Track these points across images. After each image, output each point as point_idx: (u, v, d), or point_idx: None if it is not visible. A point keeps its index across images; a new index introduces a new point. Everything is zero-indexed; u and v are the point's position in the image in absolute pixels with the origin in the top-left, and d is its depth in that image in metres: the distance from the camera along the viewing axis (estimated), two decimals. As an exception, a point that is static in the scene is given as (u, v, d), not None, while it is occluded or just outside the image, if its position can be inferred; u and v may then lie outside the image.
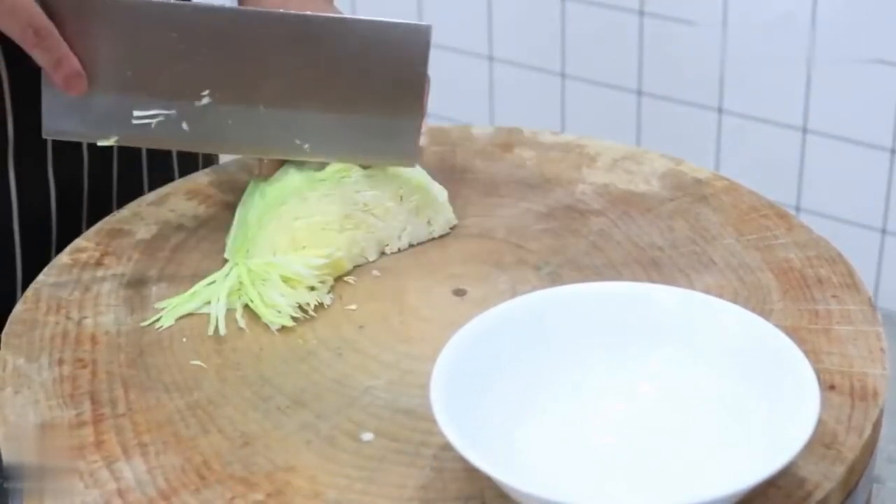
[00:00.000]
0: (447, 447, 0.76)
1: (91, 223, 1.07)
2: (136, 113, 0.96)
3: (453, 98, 2.33)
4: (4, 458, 0.83)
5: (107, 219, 1.06)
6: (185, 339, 0.92)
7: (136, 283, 0.98)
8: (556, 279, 0.97)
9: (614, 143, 1.14)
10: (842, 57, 2.06)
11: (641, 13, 2.20)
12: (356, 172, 0.99)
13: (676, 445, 0.82)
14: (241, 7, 0.96)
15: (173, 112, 0.96)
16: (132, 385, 0.88)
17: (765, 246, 1.00)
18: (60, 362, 0.90)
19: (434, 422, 0.76)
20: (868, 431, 0.82)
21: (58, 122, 0.97)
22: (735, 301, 0.91)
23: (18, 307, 0.95)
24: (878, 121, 2.08)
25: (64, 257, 1.01)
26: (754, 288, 0.95)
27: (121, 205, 1.11)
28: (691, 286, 0.94)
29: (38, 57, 0.93)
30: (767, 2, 2.09)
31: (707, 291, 0.93)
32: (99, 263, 1.00)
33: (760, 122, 2.17)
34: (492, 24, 2.35)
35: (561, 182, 1.09)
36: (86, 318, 0.94)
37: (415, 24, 0.95)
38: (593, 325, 0.85)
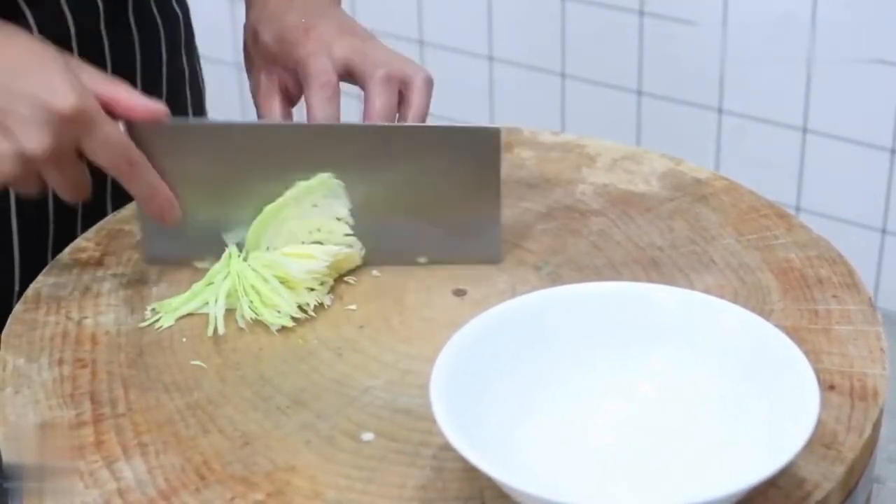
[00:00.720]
0: (447, 447, 0.76)
1: (86, 225, 1.07)
2: (227, 235, 0.97)
3: (453, 98, 2.33)
4: (4, 458, 0.83)
5: (107, 219, 1.06)
6: (184, 339, 0.92)
7: (136, 283, 0.98)
8: (556, 279, 0.97)
9: (614, 143, 1.14)
10: (842, 57, 2.06)
11: (641, 13, 2.20)
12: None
13: (676, 445, 0.82)
14: (318, 123, 0.97)
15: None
16: (132, 385, 0.88)
17: (765, 246, 1.00)
18: (60, 362, 0.90)
19: (434, 422, 0.76)
20: (868, 431, 0.82)
21: (157, 249, 0.99)
22: (735, 301, 0.91)
23: (18, 307, 0.95)
24: (878, 121, 2.08)
25: (64, 257, 1.01)
26: (754, 288, 0.95)
27: (115, 204, 1.11)
28: (691, 286, 0.94)
29: (133, 189, 0.93)
30: (767, 2, 2.09)
31: (707, 291, 0.92)
32: (99, 263, 1.00)
33: (760, 122, 2.17)
34: (492, 24, 2.35)
35: (561, 182, 1.09)
36: (86, 318, 0.94)
37: (484, 127, 0.97)
38: (593, 325, 0.85)
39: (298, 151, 0.96)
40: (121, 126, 0.92)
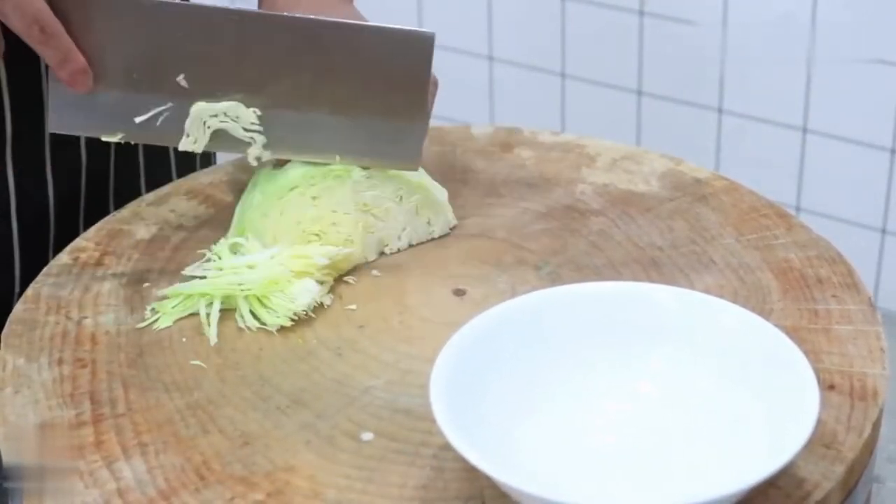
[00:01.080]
0: (447, 447, 0.76)
1: (88, 223, 1.07)
2: (140, 110, 0.97)
3: (453, 98, 2.33)
4: (4, 458, 0.83)
5: (107, 219, 1.06)
6: (184, 339, 0.92)
7: (136, 283, 0.98)
8: (556, 279, 0.97)
9: (614, 143, 1.14)
10: (842, 57, 2.06)
11: (641, 13, 2.20)
12: (356, 172, 0.99)
13: (676, 445, 0.82)
14: (248, 9, 0.97)
15: (178, 110, 0.97)
16: (132, 385, 0.88)
17: (765, 246, 1.00)
18: (60, 362, 0.90)
19: (434, 422, 0.76)
20: (868, 431, 0.82)
21: (64, 118, 0.98)
22: (735, 301, 0.91)
23: (18, 307, 0.95)
24: (878, 121, 2.08)
25: (64, 257, 1.01)
26: (754, 288, 0.95)
27: (118, 204, 1.11)
28: (691, 286, 0.94)
29: (44, 54, 0.93)
30: (767, 2, 2.09)
31: (707, 291, 0.92)
32: (99, 263, 1.00)
33: (760, 122, 2.17)
34: (492, 24, 2.35)
35: (560, 182, 1.09)
36: (86, 317, 0.94)
37: (418, 31, 0.96)
38: (593, 325, 0.85)
39: (225, 37, 0.96)
40: None
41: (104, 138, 0.98)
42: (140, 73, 0.96)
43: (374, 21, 0.99)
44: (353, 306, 0.95)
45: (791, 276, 0.96)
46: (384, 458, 0.82)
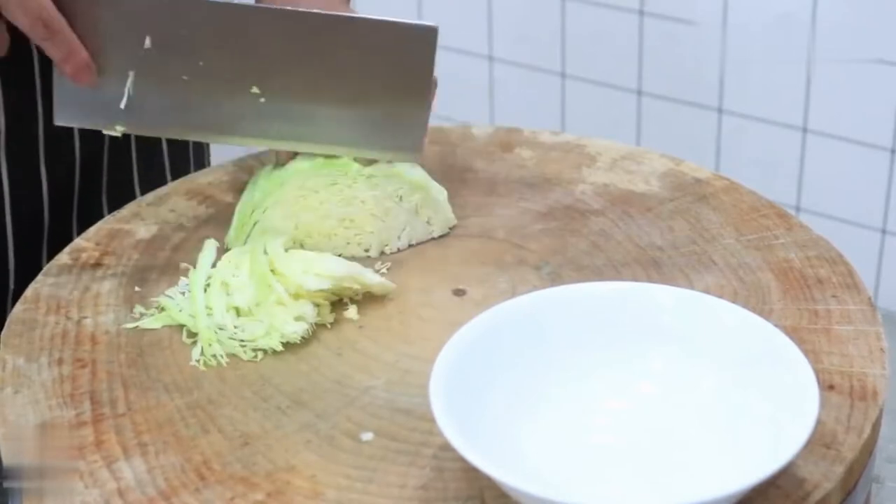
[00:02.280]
0: (447, 447, 0.76)
1: (81, 221, 1.07)
2: (142, 103, 0.97)
3: (453, 98, 2.33)
4: (4, 458, 0.83)
5: (106, 218, 1.06)
6: (185, 339, 0.92)
7: (136, 283, 0.98)
8: (556, 279, 0.97)
9: (614, 143, 1.14)
10: (842, 57, 2.06)
11: (641, 13, 2.20)
12: (355, 169, 0.99)
13: (676, 445, 0.82)
14: (251, 4, 0.97)
15: (182, 103, 0.98)
16: (132, 385, 0.88)
17: (765, 246, 1.00)
18: (60, 362, 0.90)
19: (434, 422, 0.76)
20: (867, 431, 0.82)
21: (68, 111, 0.98)
22: (735, 301, 0.91)
23: (18, 307, 0.95)
24: (878, 121, 2.08)
25: (64, 257, 1.01)
26: (754, 288, 0.95)
27: (111, 203, 1.11)
28: (691, 286, 0.94)
29: (49, 50, 0.94)
30: (767, 2, 2.09)
31: (707, 291, 0.92)
32: (99, 263, 1.00)
33: (760, 122, 2.17)
34: (492, 24, 2.35)
35: (561, 182, 1.09)
36: (86, 317, 0.94)
37: (423, 24, 0.97)
38: (593, 325, 0.85)
39: (228, 31, 0.96)
40: None
41: (106, 132, 0.99)
42: (141, 66, 0.96)
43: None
44: (353, 306, 0.95)
45: (791, 276, 0.96)
46: (384, 458, 0.82)
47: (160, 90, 0.97)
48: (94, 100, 0.97)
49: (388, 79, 0.98)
